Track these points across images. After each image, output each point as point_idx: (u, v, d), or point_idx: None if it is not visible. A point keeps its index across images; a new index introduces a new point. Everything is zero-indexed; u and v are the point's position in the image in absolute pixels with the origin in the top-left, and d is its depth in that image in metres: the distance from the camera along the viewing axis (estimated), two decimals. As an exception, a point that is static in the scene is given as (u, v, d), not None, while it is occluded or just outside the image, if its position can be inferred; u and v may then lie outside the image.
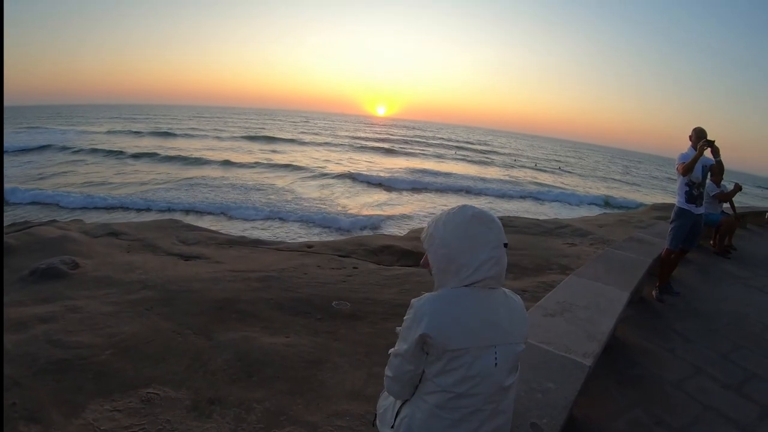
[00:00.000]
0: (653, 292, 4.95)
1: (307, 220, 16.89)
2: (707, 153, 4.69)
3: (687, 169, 4.66)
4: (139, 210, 17.72)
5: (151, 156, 31.55)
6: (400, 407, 1.59)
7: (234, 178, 25.04)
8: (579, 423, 2.58)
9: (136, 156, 31.42)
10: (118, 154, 31.92)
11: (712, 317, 4.57)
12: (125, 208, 17.96)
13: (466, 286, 1.43)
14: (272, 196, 20.79)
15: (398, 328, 1.99)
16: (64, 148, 32.90)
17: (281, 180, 25.83)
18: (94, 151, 32.36)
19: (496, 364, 1.41)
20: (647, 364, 3.47)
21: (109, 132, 47.26)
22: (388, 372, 1.56)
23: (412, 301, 1.46)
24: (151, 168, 27.60)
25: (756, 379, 3.44)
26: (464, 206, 1.47)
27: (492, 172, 38.92)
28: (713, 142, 4.58)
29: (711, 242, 7.61)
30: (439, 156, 48.08)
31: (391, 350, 1.61)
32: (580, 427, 2.57)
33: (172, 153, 32.87)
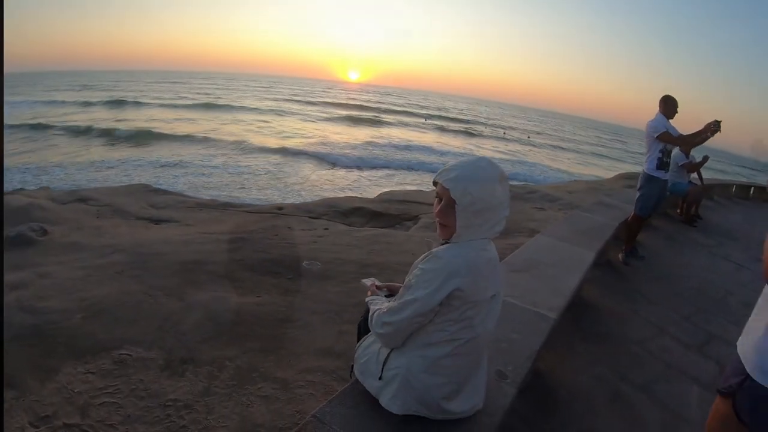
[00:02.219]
0: (619, 255, 5.05)
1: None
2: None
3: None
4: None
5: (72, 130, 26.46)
6: (387, 357, 1.59)
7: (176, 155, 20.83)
8: (544, 376, 2.67)
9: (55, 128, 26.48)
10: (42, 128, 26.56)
11: (676, 281, 4.71)
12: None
13: (483, 238, 1.50)
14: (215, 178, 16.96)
15: (364, 281, 2.00)
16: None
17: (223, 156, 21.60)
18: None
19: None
20: (612, 323, 3.57)
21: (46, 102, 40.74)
22: (388, 318, 1.52)
23: (435, 250, 1.47)
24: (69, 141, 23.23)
25: (717, 340, 3.58)
26: (489, 163, 1.49)
27: (457, 143, 36.75)
28: (720, 123, 4.55)
29: (677, 211, 7.74)
30: (407, 125, 45.23)
31: (388, 302, 1.65)
32: (545, 379, 2.66)
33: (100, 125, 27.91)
